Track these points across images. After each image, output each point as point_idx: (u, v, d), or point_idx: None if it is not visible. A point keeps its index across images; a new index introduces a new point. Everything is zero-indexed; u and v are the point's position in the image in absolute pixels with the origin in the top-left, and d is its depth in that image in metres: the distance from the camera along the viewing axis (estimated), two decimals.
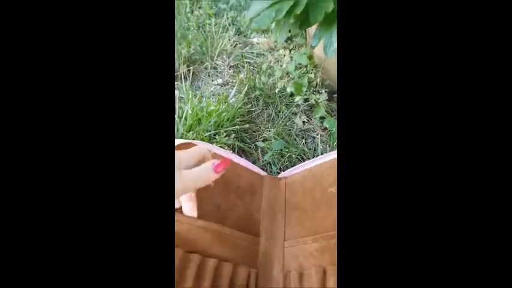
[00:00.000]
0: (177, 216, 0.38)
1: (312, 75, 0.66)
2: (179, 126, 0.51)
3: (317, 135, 0.59)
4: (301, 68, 0.68)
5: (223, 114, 0.52)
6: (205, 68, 0.74)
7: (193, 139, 0.51)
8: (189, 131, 0.51)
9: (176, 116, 0.51)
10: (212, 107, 0.51)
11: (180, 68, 0.71)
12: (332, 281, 0.32)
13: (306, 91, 0.63)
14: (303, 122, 0.61)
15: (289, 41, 0.79)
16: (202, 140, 0.51)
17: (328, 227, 0.37)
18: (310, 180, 0.43)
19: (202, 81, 0.71)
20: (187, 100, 0.55)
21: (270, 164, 0.53)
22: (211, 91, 0.67)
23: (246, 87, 0.60)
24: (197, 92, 0.63)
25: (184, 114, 0.51)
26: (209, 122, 0.52)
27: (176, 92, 0.62)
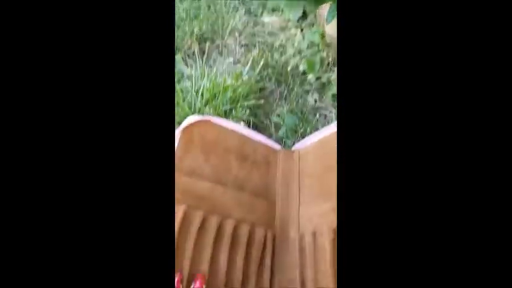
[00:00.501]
0: (197, 182, 0.40)
1: (324, 54, 0.66)
2: (196, 101, 0.53)
3: (329, 113, 0.60)
4: (313, 46, 0.68)
5: (239, 89, 0.53)
6: (217, 47, 0.74)
7: (210, 114, 0.52)
8: (206, 105, 0.52)
9: (193, 91, 0.53)
10: (228, 82, 0.52)
11: (193, 46, 0.71)
12: None
13: (319, 69, 0.63)
14: (315, 100, 0.62)
15: (300, 20, 0.78)
16: (218, 114, 0.52)
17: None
18: (321, 149, 0.45)
19: (214, 59, 0.71)
20: (202, 76, 0.56)
21: (284, 139, 0.55)
22: (224, 69, 0.67)
23: (259, 65, 0.61)
24: (212, 68, 0.63)
25: (201, 89, 0.52)
26: (224, 98, 0.53)
27: (188, 69, 0.63)
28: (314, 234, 0.38)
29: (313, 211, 0.40)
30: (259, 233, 0.39)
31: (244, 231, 0.38)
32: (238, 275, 0.35)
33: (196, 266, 0.34)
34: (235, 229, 0.38)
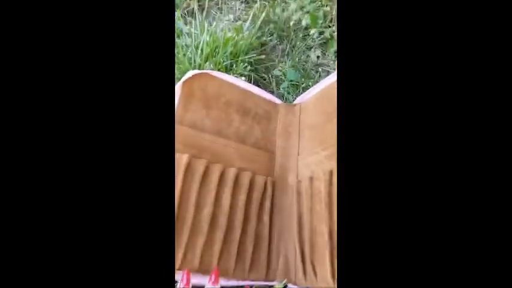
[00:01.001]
0: (199, 134, 0.41)
1: (328, 8, 0.64)
2: (196, 57, 0.52)
3: (332, 69, 0.59)
4: (316, 1, 0.66)
5: (240, 43, 0.52)
6: (216, 4, 0.72)
7: (211, 69, 0.52)
8: (206, 61, 0.52)
9: (193, 46, 0.52)
10: (229, 34, 0.51)
11: (192, 3, 0.69)
12: (335, 178, 0.36)
13: (322, 24, 0.61)
14: (317, 56, 0.61)
15: None
16: (219, 70, 0.52)
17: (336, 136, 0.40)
18: (322, 99, 0.45)
19: (213, 17, 0.69)
20: (202, 32, 0.55)
21: (285, 95, 0.55)
22: (224, 26, 0.66)
23: (260, 20, 0.59)
24: (212, 25, 0.62)
25: (201, 44, 0.52)
26: (225, 53, 0.52)
27: (187, 27, 0.61)
28: (311, 179, 0.39)
29: (311, 159, 0.41)
30: (259, 180, 0.40)
31: (245, 178, 0.40)
32: (239, 215, 0.37)
33: (200, 209, 0.36)
34: (237, 176, 0.39)
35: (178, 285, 0.30)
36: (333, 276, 0.32)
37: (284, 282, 0.36)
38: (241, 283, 0.36)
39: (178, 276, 0.33)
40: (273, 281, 0.38)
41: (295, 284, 0.37)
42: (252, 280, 0.36)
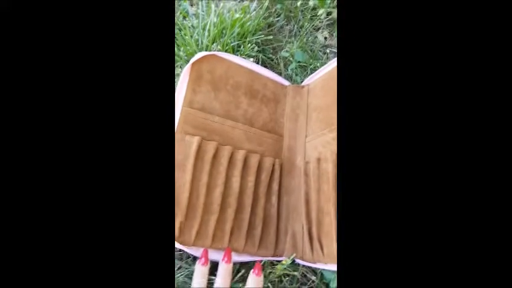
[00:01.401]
0: (207, 116, 0.42)
1: None
2: (203, 39, 0.52)
3: None
4: None
5: (247, 23, 0.51)
6: None
7: (218, 50, 0.51)
8: (213, 42, 0.51)
9: (200, 27, 0.51)
10: (237, 15, 0.50)
11: None
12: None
13: (330, 4, 0.60)
14: (325, 37, 0.60)
15: None
16: (226, 51, 0.52)
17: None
18: (328, 81, 0.45)
19: None
20: (209, 13, 0.54)
21: (293, 77, 0.54)
22: (230, 7, 0.65)
23: (267, 0, 0.58)
24: (219, 6, 0.61)
25: (208, 25, 0.51)
26: (232, 34, 0.52)
27: (193, 8, 0.61)
28: (318, 161, 0.40)
29: (319, 141, 0.42)
30: (267, 162, 0.41)
31: (254, 160, 0.40)
32: (249, 196, 0.39)
33: (211, 190, 0.37)
34: (246, 158, 0.40)
35: (197, 263, 0.32)
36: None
37: (292, 257, 0.38)
38: (251, 258, 0.38)
39: (189, 250, 0.35)
40: (281, 256, 0.39)
41: (302, 259, 0.38)
42: (262, 256, 0.38)
